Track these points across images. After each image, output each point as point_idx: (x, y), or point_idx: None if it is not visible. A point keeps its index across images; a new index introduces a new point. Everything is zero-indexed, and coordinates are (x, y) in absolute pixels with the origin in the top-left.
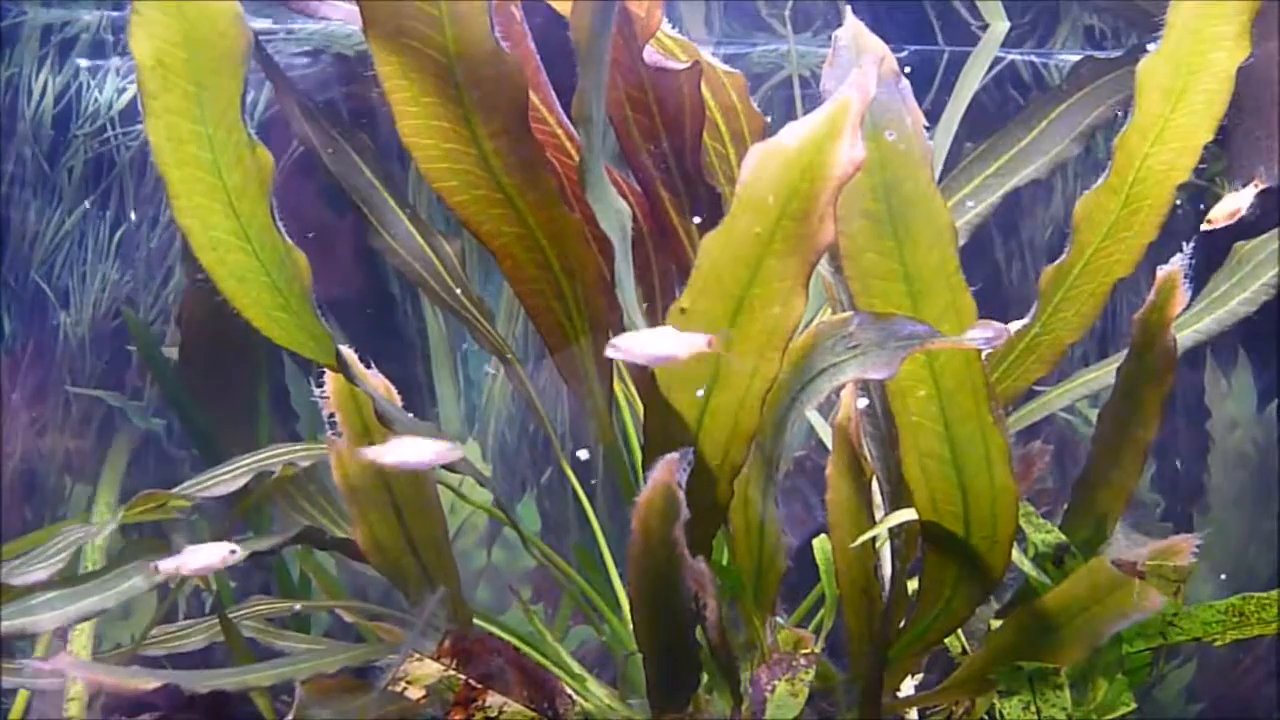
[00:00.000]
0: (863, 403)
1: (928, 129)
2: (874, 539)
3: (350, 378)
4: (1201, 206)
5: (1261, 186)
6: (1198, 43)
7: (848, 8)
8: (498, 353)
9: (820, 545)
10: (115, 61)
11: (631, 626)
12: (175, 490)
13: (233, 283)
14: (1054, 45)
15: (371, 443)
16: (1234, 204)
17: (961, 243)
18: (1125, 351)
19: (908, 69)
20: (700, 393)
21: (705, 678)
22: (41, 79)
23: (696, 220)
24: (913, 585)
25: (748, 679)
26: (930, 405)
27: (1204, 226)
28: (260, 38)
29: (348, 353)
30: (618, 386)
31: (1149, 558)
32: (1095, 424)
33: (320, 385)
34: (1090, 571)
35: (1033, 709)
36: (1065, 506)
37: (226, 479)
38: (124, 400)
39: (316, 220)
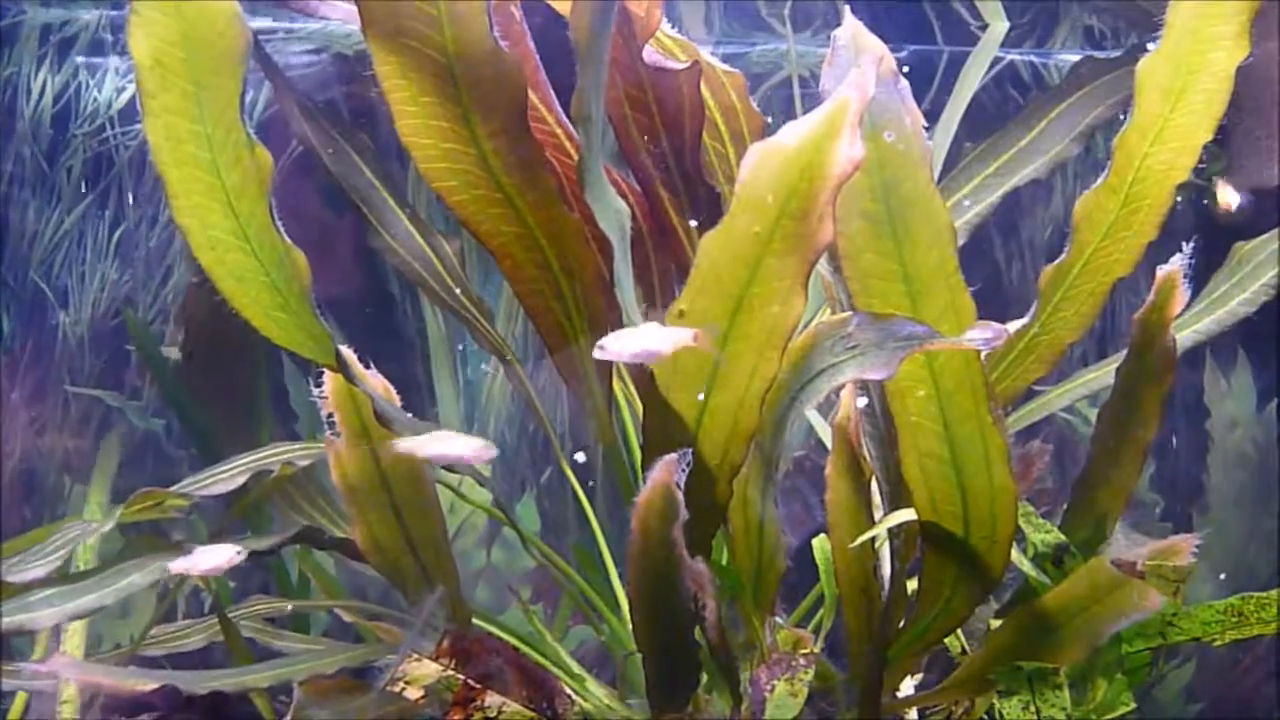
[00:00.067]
0: (861, 402)
1: (927, 129)
2: (873, 539)
3: (349, 377)
4: (1205, 201)
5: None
6: (1197, 42)
7: (846, 7)
8: (497, 353)
9: (819, 545)
10: (114, 61)
11: (631, 626)
12: (173, 489)
13: (231, 282)
14: (1053, 45)
15: (370, 443)
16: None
17: (961, 243)
18: (1125, 351)
19: (906, 69)
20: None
21: (704, 678)
22: (40, 78)
23: (694, 223)
24: (912, 585)
25: (747, 679)
26: (929, 405)
27: (1222, 208)
28: (259, 37)
29: (347, 352)
30: (617, 386)
31: (1148, 558)
32: (1095, 424)
33: (319, 385)
34: (1090, 571)
35: (1032, 709)
36: (1065, 506)
37: (224, 478)
38: (123, 400)
39: (316, 220)
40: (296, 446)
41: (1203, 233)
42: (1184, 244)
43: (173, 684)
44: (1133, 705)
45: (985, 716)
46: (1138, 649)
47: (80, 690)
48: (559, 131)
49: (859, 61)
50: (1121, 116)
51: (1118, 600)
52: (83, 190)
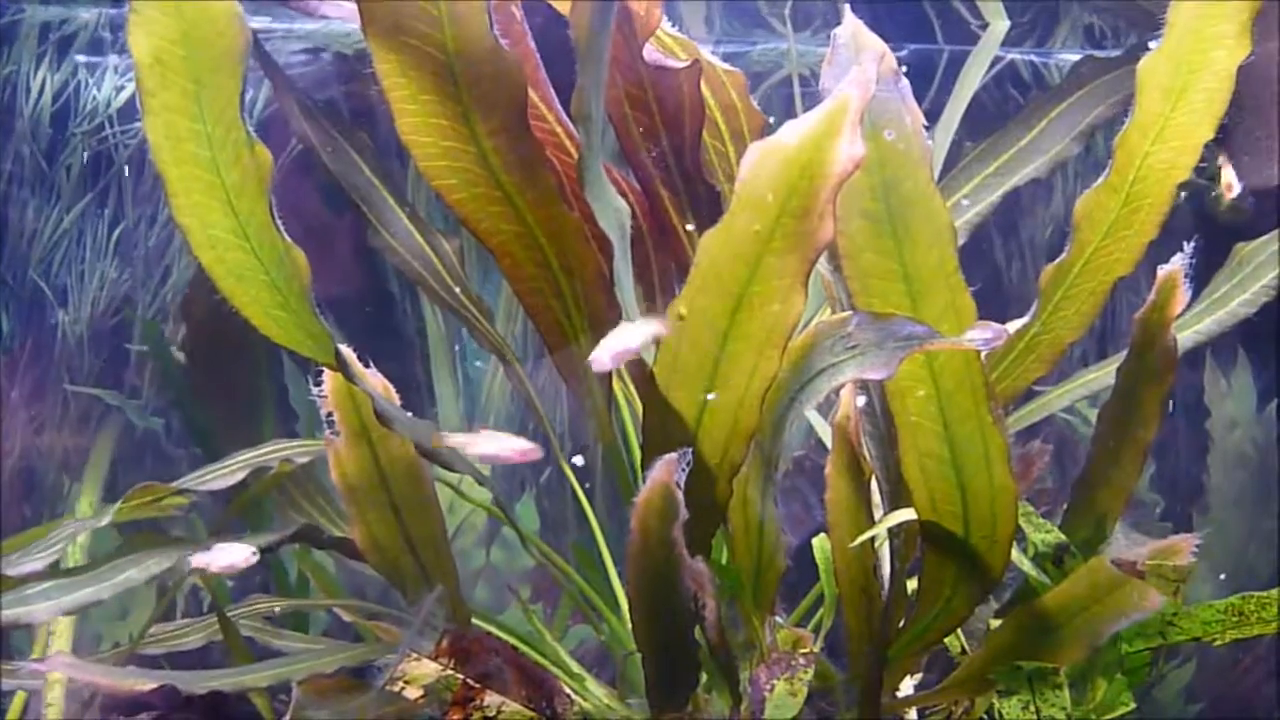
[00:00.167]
0: (861, 401)
1: (927, 128)
2: (873, 538)
3: (349, 376)
4: (1212, 192)
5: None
6: (1198, 41)
7: (847, 6)
8: (497, 352)
9: (819, 544)
10: (113, 59)
11: (630, 626)
12: (172, 485)
13: (231, 281)
14: (1054, 44)
15: (369, 442)
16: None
17: (961, 242)
18: (1125, 351)
19: (906, 68)
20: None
21: (704, 677)
22: (40, 77)
23: (690, 226)
24: (912, 585)
25: (747, 678)
26: (929, 405)
27: (1226, 193)
28: (259, 36)
29: (346, 351)
30: (617, 385)
31: (1149, 557)
32: (1095, 424)
33: (319, 384)
34: (1090, 571)
35: (1032, 709)
36: (1065, 506)
37: (224, 474)
38: (122, 399)
39: (315, 218)
40: (295, 444)
41: (1203, 233)
42: (1185, 244)
43: (171, 683)
44: (1133, 705)
45: (985, 716)
46: (1138, 649)
47: (70, 691)
48: (559, 130)
49: (859, 60)
50: (1122, 116)
51: (1118, 600)
52: (82, 189)
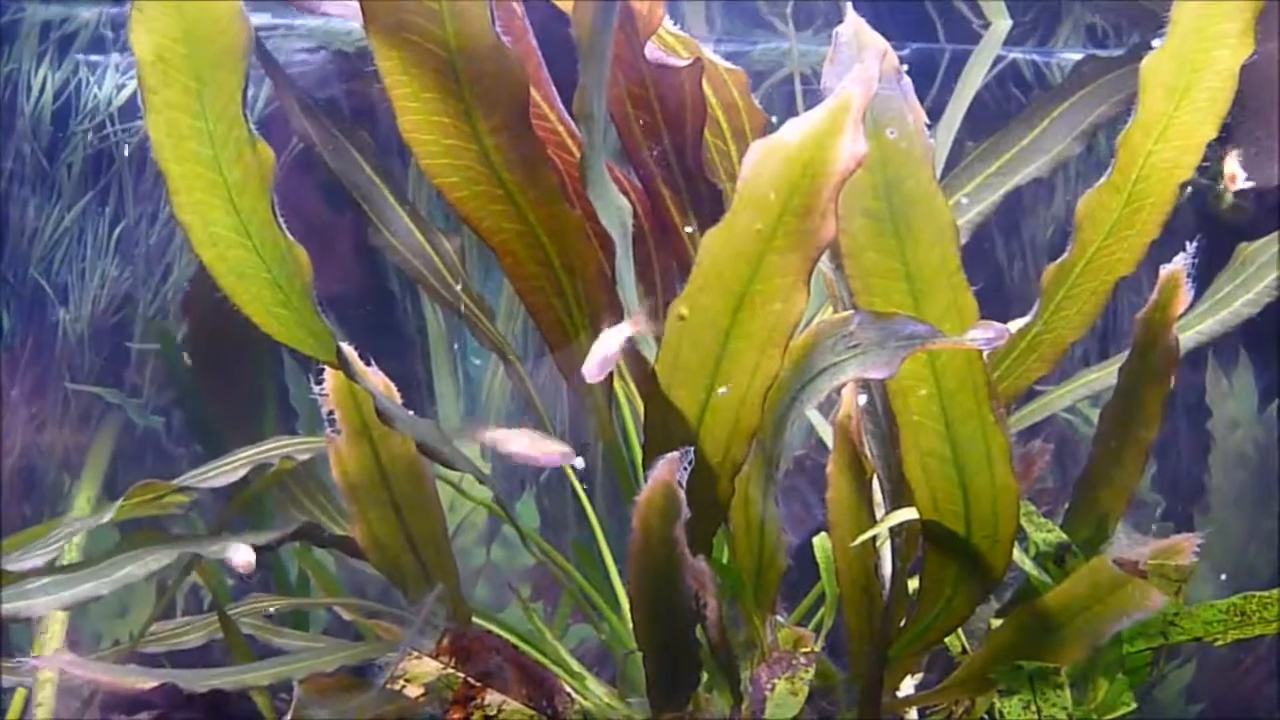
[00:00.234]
0: (862, 399)
1: (929, 127)
2: (874, 538)
3: (350, 375)
4: (1218, 186)
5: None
6: (1201, 40)
7: (848, 5)
8: (498, 350)
9: (820, 544)
10: (115, 58)
11: (631, 625)
12: (172, 482)
13: (233, 279)
14: (1056, 44)
15: (370, 440)
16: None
17: (963, 241)
18: (1127, 351)
19: (908, 67)
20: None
21: (705, 676)
22: (40, 75)
23: (692, 225)
24: (913, 584)
25: (747, 677)
26: (931, 404)
27: (1230, 184)
28: (260, 33)
29: (348, 350)
30: (618, 384)
31: (1150, 557)
32: (1097, 423)
33: (320, 382)
34: (1091, 571)
35: (1033, 708)
36: (1066, 506)
37: (224, 471)
38: (123, 397)
39: (316, 217)
40: (296, 441)
41: (1206, 233)
42: (1187, 243)
43: (172, 681)
44: (1134, 705)
45: (986, 716)
46: (1139, 648)
47: (70, 689)
48: (561, 128)
49: (862, 58)
50: (1124, 115)
51: (1119, 600)
52: (83, 187)
